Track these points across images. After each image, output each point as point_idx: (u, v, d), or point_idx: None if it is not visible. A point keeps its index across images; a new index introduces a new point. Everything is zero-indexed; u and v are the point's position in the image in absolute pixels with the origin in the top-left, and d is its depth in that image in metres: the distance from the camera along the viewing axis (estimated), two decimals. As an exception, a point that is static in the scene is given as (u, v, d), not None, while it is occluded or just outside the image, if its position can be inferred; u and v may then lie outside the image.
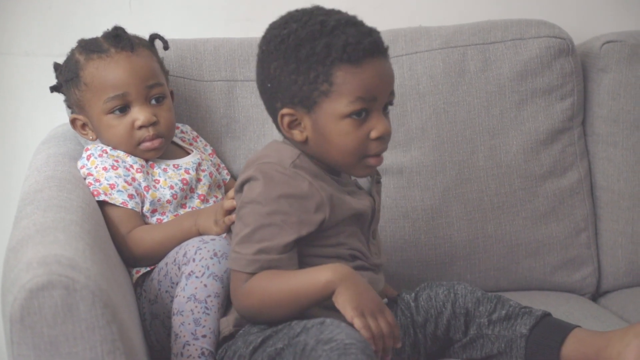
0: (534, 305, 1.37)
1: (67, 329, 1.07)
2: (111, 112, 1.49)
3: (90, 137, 1.55)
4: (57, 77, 1.56)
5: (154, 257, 1.45)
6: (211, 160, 1.61)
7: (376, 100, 1.27)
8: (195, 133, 1.65)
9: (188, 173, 1.54)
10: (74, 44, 1.56)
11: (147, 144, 1.51)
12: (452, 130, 1.71)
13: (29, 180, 1.44)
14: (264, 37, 1.30)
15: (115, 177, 1.48)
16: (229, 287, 1.35)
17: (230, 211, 1.39)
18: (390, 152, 1.66)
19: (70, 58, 1.53)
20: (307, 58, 1.25)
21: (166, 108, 1.53)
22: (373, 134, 1.28)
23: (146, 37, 1.57)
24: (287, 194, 1.25)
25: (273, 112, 1.32)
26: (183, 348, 1.32)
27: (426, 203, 1.70)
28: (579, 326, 1.31)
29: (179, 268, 1.38)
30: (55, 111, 1.74)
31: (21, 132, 1.79)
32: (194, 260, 1.35)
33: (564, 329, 1.30)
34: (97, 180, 1.48)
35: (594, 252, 1.76)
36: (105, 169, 1.48)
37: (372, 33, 1.29)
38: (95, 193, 1.47)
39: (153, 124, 1.50)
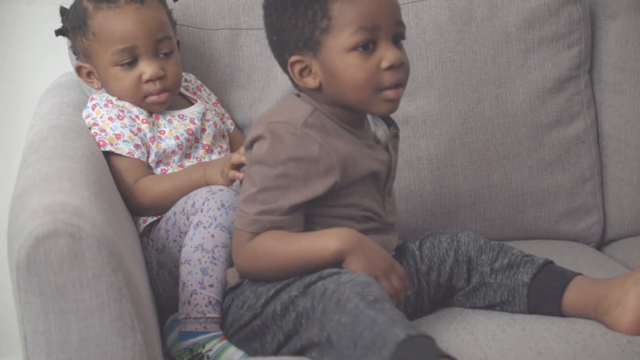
0: (539, 254, 1.37)
1: (73, 276, 1.08)
2: (118, 64, 1.49)
3: (96, 86, 1.55)
4: (62, 22, 1.55)
5: (162, 207, 1.46)
6: (215, 110, 1.62)
7: (380, 29, 1.25)
8: (199, 82, 1.66)
9: (193, 123, 1.55)
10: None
11: (154, 98, 1.51)
12: (458, 79, 1.71)
13: (34, 129, 1.45)
14: None
15: (121, 127, 1.49)
16: None
17: (237, 166, 1.40)
18: (397, 102, 1.69)
19: (78, 4, 1.52)
20: (300, 1, 1.25)
21: (174, 62, 1.53)
22: (384, 64, 1.25)
23: None
24: (295, 156, 1.24)
25: (284, 65, 1.30)
26: (190, 297, 1.34)
27: (431, 152, 1.70)
28: (580, 274, 1.31)
29: (187, 218, 1.39)
30: (59, 60, 1.74)
31: (25, 81, 1.79)
32: (201, 210, 1.37)
33: (565, 277, 1.30)
34: (102, 130, 1.48)
35: (599, 201, 1.76)
36: (110, 118, 1.49)
37: None
38: (101, 143, 1.47)
39: (160, 78, 1.50)
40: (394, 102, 1.29)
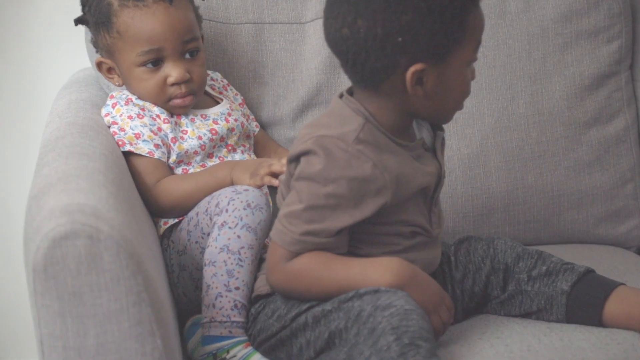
0: (576, 259, 1.37)
1: (91, 279, 1.08)
2: (143, 65, 1.49)
3: (117, 83, 1.55)
4: (84, 12, 1.54)
5: (184, 208, 1.46)
6: (241, 111, 1.61)
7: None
8: (225, 81, 1.65)
9: (216, 123, 1.54)
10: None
11: (178, 101, 1.51)
12: (491, 75, 1.70)
13: (50, 127, 1.45)
14: None
15: (141, 126, 1.48)
16: (261, 241, 1.36)
17: (274, 174, 1.39)
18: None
19: (100, 1, 1.51)
20: (448, 6, 1.18)
21: (199, 63, 1.52)
22: (471, 77, 1.27)
23: None
24: (347, 175, 1.21)
25: (387, 70, 1.21)
26: (215, 299, 1.33)
27: (463, 152, 1.69)
28: (623, 283, 1.30)
29: (210, 218, 1.38)
30: (76, 54, 1.74)
31: (41, 77, 1.79)
32: (226, 210, 1.36)
33: (607, 286, 1.29)
34: (122, 130, 1.48)
35: (640, 204, 1.75)
36: (130, 117, 1.49)
37: None
38: (120, 143, 1.47)
39: (186, 81, 1.50)
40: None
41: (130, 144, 1.47)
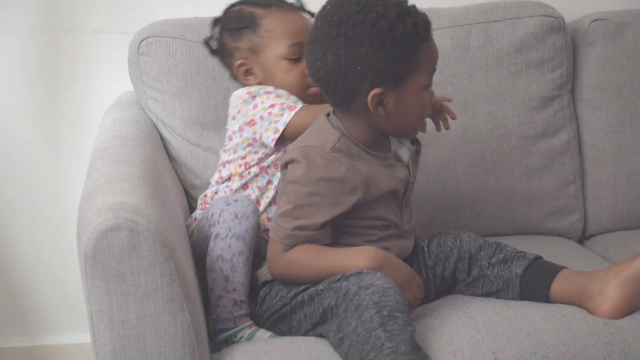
0: (529, 247, 1.37)
1: (132, 264, 1.08)
2: (289, 58, 1.44)
3: (253, 82, 1.48)
4: (217, 27, 1.50)
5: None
6: None
7: (434, 73, 1.27)
8: None
9: None
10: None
11: (314, 89, 1.43)
12: (457, 97, 1.69)
13: (99, 139, 1.44)
14: (346, 23, 1.19)
15: (291, 98, 1.41)
16: (251, 245, 1.32)
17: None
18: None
19: (240, 11, 1.47)
20: (401, 39, 1.19)
21: None
22: (432, 101, 1.31)
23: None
24: (325, 177, 1.22)
25: (352, 94, 1.22)
26: (218, 300, 1.31)
27: (436, 159, 1.68)
28: (566, 267, 1.30)
29: (209, 226, 1.35)
30: (120, 81, 1.73)
31: (92, 99, 1.79)
32: (218, 223, 1.32)
33: (553, 270, 1.28)
34: (282, 104, 1.38)
35: (581, 202, 1.74)
36: (278, 95, 1.41)
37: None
38: (291, 109, 1.37)
39: None
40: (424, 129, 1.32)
41: (296, 105, 1.37)
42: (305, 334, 1.25)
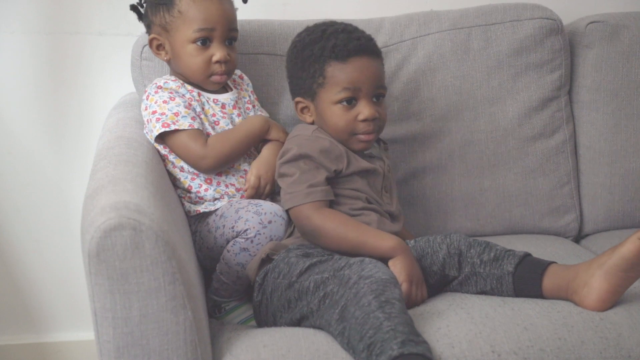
0: (526, 248, 1.37)
1: (135, 263, 1.08)
2: (195, 42, 1.45)
3: (164, 58, 1.50)
4: None
5: (234, 159, 1.47)
6: (249, 97, 1.57)
7: (361, 90, 1.40)
8: (240, 72, 1.60)
9: (224, 108, 1.51)
10: (138, 24, 1.55)
11: (217, 77, 1.47)
12: (458, 100, 1.70)
13: (102, 140, 1.45)
14: (290, 44, 1.47)
15: (176, 105, 1.44)
16: None
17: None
18: (406, 121, 1.68)
19: None
20: (308, 58, 1.41)
21: (235, 51, 1.50)
22: (360, 117, 1.41)
23: None
24: (315, 147, 1.39)
25: (293, 99, 1.47)
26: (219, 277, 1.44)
27: (434, 163, 1.69)
28: (554, 262, 1.31)
29: (235, 235, 1.39)
30: (123, 82, 1.74)
31: (95, 100, 1.79)
32: (252, 241, 1.38)
33: (542, 265, 1.30)
34: (162, 114, 1.44)
35: (576, 202, 1.74)
36: (165, 102, 1.45)
37: (361, 38, 1.42)
38: (165, 126, 1.43)
39: (226, 62, 1.47)
40: (366, 143, 1.43)
41: (174, 123, 1.42)
42: (301, 320, 1.26)
